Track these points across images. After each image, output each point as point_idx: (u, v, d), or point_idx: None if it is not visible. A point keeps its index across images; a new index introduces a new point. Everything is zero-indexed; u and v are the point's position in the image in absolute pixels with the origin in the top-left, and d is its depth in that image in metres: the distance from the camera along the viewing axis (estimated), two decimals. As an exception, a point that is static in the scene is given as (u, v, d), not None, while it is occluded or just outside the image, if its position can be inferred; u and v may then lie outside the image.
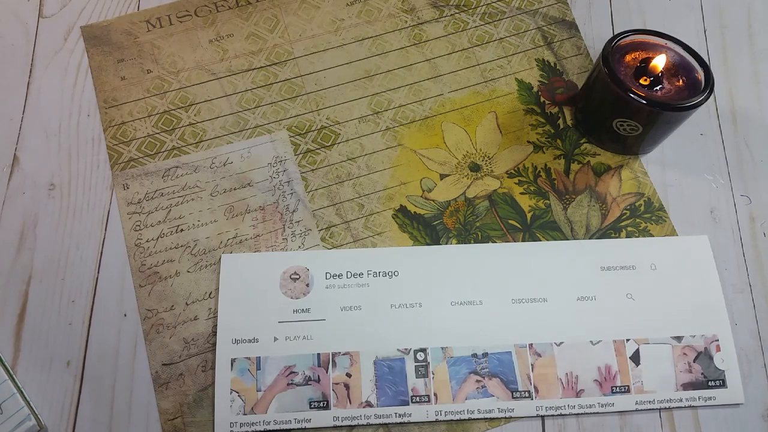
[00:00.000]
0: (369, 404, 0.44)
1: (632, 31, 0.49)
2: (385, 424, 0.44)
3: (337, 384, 0.45)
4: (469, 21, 0.57)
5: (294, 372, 0.45)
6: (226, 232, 0.49)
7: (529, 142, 0.53)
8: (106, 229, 0.49)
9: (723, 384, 0.46)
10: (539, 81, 0.55)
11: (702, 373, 0.46)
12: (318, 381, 0.45)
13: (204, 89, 0.54)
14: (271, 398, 0.44)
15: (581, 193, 0.52)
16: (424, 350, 0.46)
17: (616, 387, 0.45)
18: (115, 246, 0.49)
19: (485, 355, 0.46)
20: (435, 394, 0.45)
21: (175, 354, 0.46)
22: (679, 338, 0.47)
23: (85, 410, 0.44)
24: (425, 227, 0.50)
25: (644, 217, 0.51)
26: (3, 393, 0.43)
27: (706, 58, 0.57)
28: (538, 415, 0.45)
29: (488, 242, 0.50)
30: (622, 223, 0.51)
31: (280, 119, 0.53)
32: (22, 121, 0.52)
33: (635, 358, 0.46)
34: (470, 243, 0.50)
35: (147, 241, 0.49)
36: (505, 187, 0.52)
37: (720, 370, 0.46)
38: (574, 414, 0.45)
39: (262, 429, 0.44)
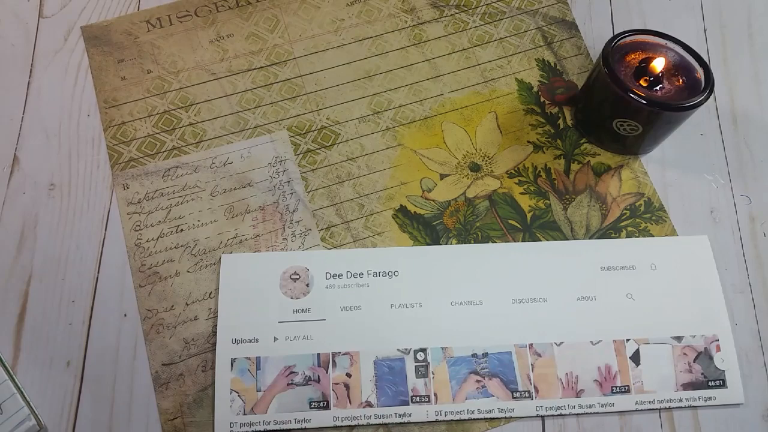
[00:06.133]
0: (369, 404, 0.44)
1: (632, 31, 0.49)
2: (385, 424, 0.44)
3: (337, 384, 0.45)
4: (469, 21, 0.57)
5: (294, 372, 0.45)
6: (226, 232, 0.49)
7: (529, 142, 0.53)
8: (106, 229, 0.49)
9: (723, 384, 0.46)
10: (539, 81, 0.55)
11: (702, 373, 0.46)
12: (318, 381, 0.45)
13: (204, 89, 0.54)
14: (271, 398, 0.44)
15: (581, 193, 0.52)
16: (424, 350, 0.46)
17: (616, 387, 0.45)
18: (115, 246, 0.49)
19: (485, 355, 0.46)
20: (435, 394, 0.45)
21: (175, 354, 0.46)
22: (679, 338, 0.47)
23: (85, 410, 0.44)
24: (425, 227, 0.50)
25: (644, 217, 0.51)
26: (3, 393, 0.43)
27: (706, 58, 0.57)
28: (538, 415, 0.45)
29: (488, 242, 0.50)
30: (622, 223, 0.51)
31: (280, 119, 0.53)
32: (22, 121, 0.52)
33: (635, 358, 0.46)
34: (470, 243, 0.50)
35: (147, 241, 0.49)
36: (505, 187, 0.52)
37: (720, 370, 0.46)
38: (574, 414, 0.45)
39: (262, 429, 0.44)
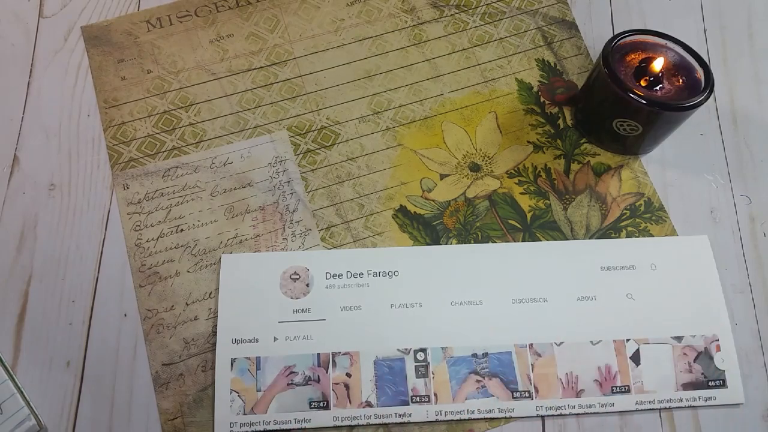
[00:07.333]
0: (369, 404, 0.44)
1: (632, 31, 0.49)
2: (385, 424, 0.44)
3: (337, 384, 0.45)
4: (469, 21, 0.57)
5: (294, 372, 0.45)
6: (226, 232, 0.49)
7: (529, 142, 0.53)
8: (106, 229, 0.49)
9: (723, 384, 0.46)
10: (539, 81, 0.55)
11: (702, 373, 0.46)
12: (318, 381, 0.45)
13: (204, 89, 0.54)
14: (271, 398, 0.44)
15: (581, 193, 0.52)
16: (424, 350, 0.46)
17: (616, 387, 0.45)
18: (115, 246, 0.49)
19: (485, 355, 0.46)
20: (435, 394, 0.45)
21: (175, 354, 0.46)
22: (679, 338, 0.47)
23: (85, 410, 0.44)
24: (425, 227, 0.50)
25: (644, 217, 0.51)
26: (3, 393, 0.43)
27: (706, 58, 0.57)
28: (538, 415, 0.45)
29: (488, 242, 0.50)
30: (622, 223, 0.51)
31: (280, 119, 0.53)
32: (22, 121, 0.52)
33: (635, 358, 0.46)
34: (470, 243, 0.50)
35: (147, 241, 0.49)
36: (505, 187, 0.52)
37: (720, 370, 0.46)
38: (574, 414, 0.45)
39: (262, 429, 0.44)
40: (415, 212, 0.51)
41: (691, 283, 0.48)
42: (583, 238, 0.50)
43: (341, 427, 0.44)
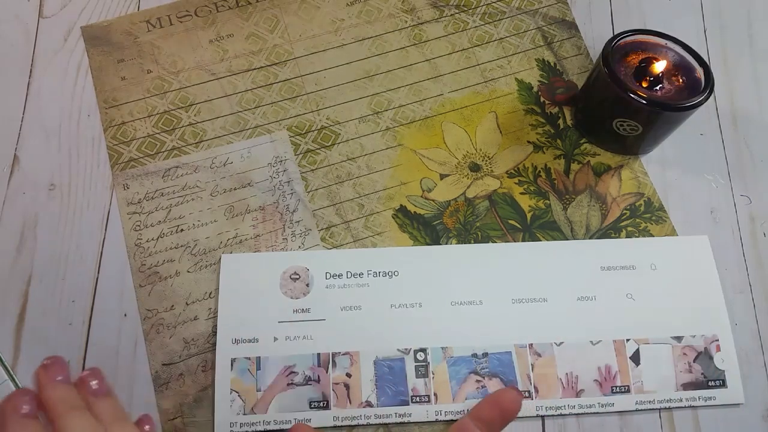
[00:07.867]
0: (369, 404, 0.44)
1: (632, 31, 0.49)
2: (385, 424, 0.44)
3: (337, 384, 0.45)
4: (469, 21, 0.57)
5: (294, 372, 0.45)
6: (226, 232, 0.49)
7: (529, 142, 0.53)
8: (106, 229, 0.49)
9: (723, 384, 0.46)
10: (539, 81, 0.55)
11: (702, 373, 0.46)
12: (318, 381, 0.45)
13: (204, 89, 0.54)
14: (271, 398, 0.44)
15: (581, 193, 0.52)
16: (424, 350, 0.46)
17: (616, 387, 0.45)
18: (115, 246, 0.49)
19: (485, 355, 0.46)
20: (435, 394, 0.45)
21: (175, 354, 0.46)
22: (679, 338, 0.47)
23: (85, 410, 0.44)
24: (425, 227, 0.50)
25: (644, 217, 0.51)
26: (3, 393, 0.43)
27: (706, 58, 0.56)
28: (538, 415, 0.45)
29: (488, 242, 0.50)
30: (622, 223, 0.51)
31: (280, 119, 0.53)
32: (22, 121, 0.52)
33: (635, 358, 0.46)
34: (470, 243, 0.50)
35: (147, 241, 0.49)
36: (505, 187, 0.52)
37: (720, 370, 0.46)
38: (574, 414, 0.45)
39: (262, 429, 0.44)
40: (415, 212, 0.51)
41: (691, 283, 0.48)
42: (583, 238, 0.50)
43: (341, 427, 0.44)
